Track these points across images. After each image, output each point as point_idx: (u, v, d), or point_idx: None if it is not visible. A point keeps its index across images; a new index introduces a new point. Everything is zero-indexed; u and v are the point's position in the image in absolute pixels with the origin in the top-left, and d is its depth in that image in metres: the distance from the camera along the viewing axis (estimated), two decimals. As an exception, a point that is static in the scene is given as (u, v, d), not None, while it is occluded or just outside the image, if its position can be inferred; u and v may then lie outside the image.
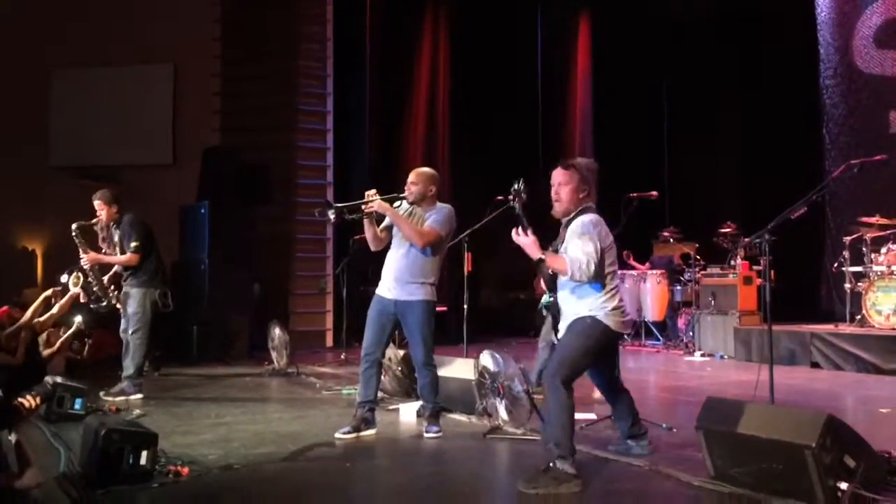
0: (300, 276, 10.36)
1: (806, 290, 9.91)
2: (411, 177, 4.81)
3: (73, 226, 6.23)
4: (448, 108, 11.59)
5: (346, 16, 10.73)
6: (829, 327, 8.15)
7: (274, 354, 7.66)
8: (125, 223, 6.26)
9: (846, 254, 8.31)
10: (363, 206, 4.66)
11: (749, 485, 3.42)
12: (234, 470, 3.97)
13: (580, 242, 3.71)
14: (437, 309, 9.74)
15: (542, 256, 3.70)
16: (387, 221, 4.79)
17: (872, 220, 8.00)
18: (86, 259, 6.21)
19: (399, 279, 4.71)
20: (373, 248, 4.87)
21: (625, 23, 11.82)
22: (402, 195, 4.80)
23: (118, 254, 6.25)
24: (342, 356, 8.46)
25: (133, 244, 6.18)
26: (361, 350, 4.82)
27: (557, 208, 3.90)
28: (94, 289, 6.31)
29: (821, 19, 10.22)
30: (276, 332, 7.65)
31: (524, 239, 3.68)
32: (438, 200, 4.86)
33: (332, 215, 4.73)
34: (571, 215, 3.87)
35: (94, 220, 6.29)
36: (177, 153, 10.38)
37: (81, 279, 6.24)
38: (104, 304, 6.35)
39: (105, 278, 6.38)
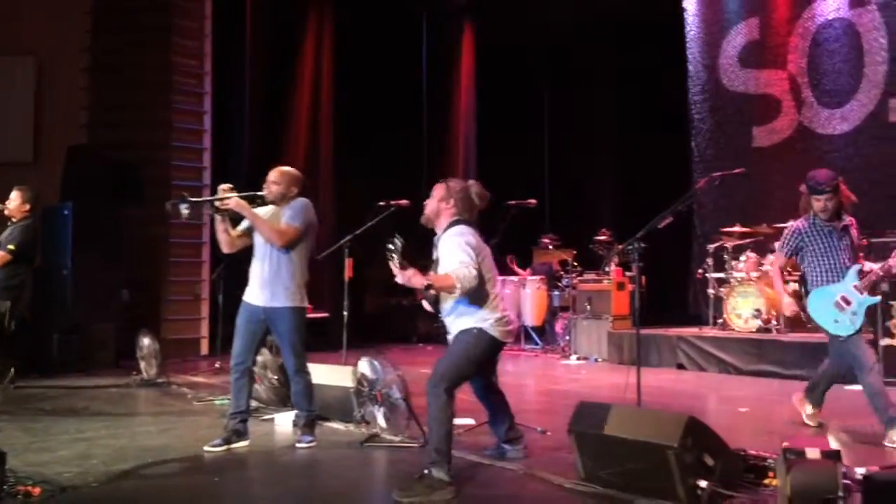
0: (174, 282, 9.93)
1: (675, 295, 10.39)
2: (272, 175, 4.64)
3: None
4: (332, 110, 11.43)
5: (226, 13, 10.40)
6: (694, 330, 8.56)
7: (143, 364, 7.29)
8: (19, 224, 5.90)
9: (710, 261, 8.78)
10: (218, 203, 4.48)
11: (617, 485, 3.53)
12: (90, 488, 3.72)
13: (454, 254, 3.77)
14: (318, 315, 9.61)
15: (429, 282, 3.69)
16: (244, 224, 4.62)
17: (734, 228, 8.48)
18: None
19: (266, 285, 4.56)
20: (224, 251, 4.66)
21: (507, 31, 12.05)
22: (261, 194, 4.63)
23: None
24: (216, 364, 8.16)
25: (10, 246, 5.81)
26: (231, 359, 4.65)
27: (423, 215, 4.03)
28: None
29: (689, 37, 10.75)
30: (146, 340, 7.29)
31: (403, 275, 3.65)
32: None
33: (184, 210, 4.49)
34: (442, 231, 3.93)
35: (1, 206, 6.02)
36: (38, 151, 9.74)
37: None
38: None
39: None
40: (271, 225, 4.54)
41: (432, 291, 3.78)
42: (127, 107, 9.62)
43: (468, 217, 3.99)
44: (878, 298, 4.73)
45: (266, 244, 4.56)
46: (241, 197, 4.52)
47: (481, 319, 3.83)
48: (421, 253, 4.09)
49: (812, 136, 9.37)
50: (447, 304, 3.91)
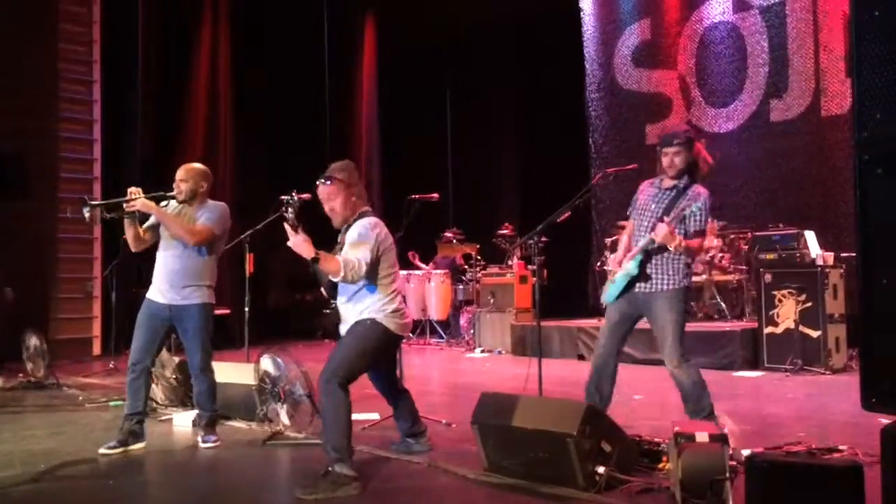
0: (63, 279, 9.47)
1: (576, 288, 10.69)
2: (180, 173, 4.55)
3: None
4: (231, 101, 11.12)
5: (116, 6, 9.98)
6: (594, 322, 8.82)
7: (29, 365, 6.94)
8: None
9: (608, 253, 9.04)
10: (124, 205, 4.36)
11: (519, 474, 3.61)
12: (-28, 498, 3.53)
13: (356, 246, 3.75)
14: (219, 312, 9.38)
15: (315, 256, 3.63)
16: (152, 220, 4.51)
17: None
18: None
19: (173, 282, 4.45)
20: (134, 249, 4.57)
21: (408, 25, 12.06)
22: (170, 194, 4.55)
23: None
24: (111, 365, 7.85)
25: None
26: (129, 358, 4.49)
27: (335, 221, 3.91)
28: None
29: (586, 36, 11.06)
30: (32, 340, 6.95)
31: (294, 238, 3.60)
32: (213, 199, 4.64)
33: (86, 213, 4.38)
34: (350, 221, 3.89)
35: None
36: None
37: None
38: None
39: None
40: (182, 223, 4.44)
41: (318, 266, 3.68)
42: (11, 95, 9.08)
43: (364, 197, 3.95)
44: (629, 269, 4.08)
45: (173, 243, 4.46)
46: (149, 197, 4.41)
47: (377, 310, 3.79)
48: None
49: (700, 134, 9.80)
50: (344, 291, 3.86)
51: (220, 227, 4.55)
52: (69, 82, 9.59)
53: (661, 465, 3.63)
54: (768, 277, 7.15)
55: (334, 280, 3.77)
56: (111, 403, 5.88)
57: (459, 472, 3.79)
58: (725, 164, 9.29)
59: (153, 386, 5.66)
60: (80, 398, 6.28)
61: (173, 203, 4.56)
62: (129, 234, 4.47)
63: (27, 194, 8.80)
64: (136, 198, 4.37)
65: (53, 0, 9.42)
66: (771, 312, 7.07)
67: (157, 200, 4.50)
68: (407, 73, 12.20)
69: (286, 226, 3.59)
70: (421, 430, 4.26)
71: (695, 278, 8.28)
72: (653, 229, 4.08)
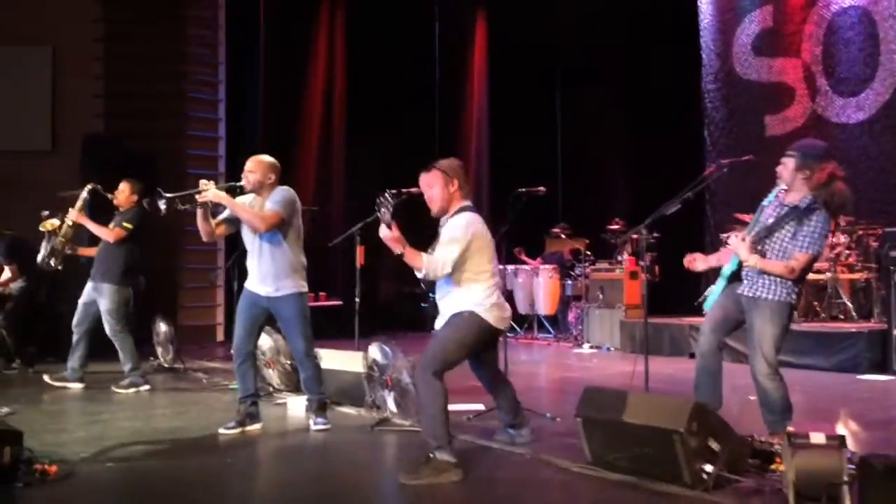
0: (189, 270, 10.03)
1: (689, 284, 10.35)
2: (249, 164, 4.68)
3: (91, 185, 6.40)
4: (345, 98, 11.44)
5: (240, 1, 10.46)
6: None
7: (159, 350, 7.40)
8: (130, 210, 6.27)
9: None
10: (196, 196, 4.52)
11: (624, 469, 3.56)
12: (106, 467, 3.81)
13: (447, 244, 3.79)
14: (331, 303, 9.67)
15: (402, 251, 3.70)
16: (227, 213, 4.65)
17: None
18: (74, 214, 6.26)
19: (265, 275, 4.60)
20: (205, 240, 4.77)
21: (519, 18, 12.00)
22: (239, 184, 4.68)
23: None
24: (232, 350, 8.23)
25: (125, 224, 6.18)
26: (233, 345, 4.72)
27: (433, 210, 3.97)
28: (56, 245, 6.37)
29: (703, 25, 10.68)
30: (161, 326, 7.40)
31: (386, 233, 3.66)
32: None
33: (162, 205, 4.57)
34: (449, 215, 3.93)
35: (111, 195, 6.37)
36: (56, 139, 9.84)
37: (56, 227, 6.43)
38: (50, 263, 6.45)
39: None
40: (252, 211, 4.58)
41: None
42: (141, 96, 9.70)
43: (468, 193, 3.99)
44: (724, 272, 4.19)
45: (254, 238, 4.60)
46: (220, 188, 4.58)
47: (475, 303, 3.82)
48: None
49: (826, 124, 9.29)
50: (442, 286, 3.91)
51: (287, 211, 4.59)
52: (196, 84, 10.13)
53: (773, 467, 3.49)
54: (900, 277, 6.71)
55: (419, 276, 3.83)
56: (231, 386, 6.17)
57: (562, 464, 3.78)
58: (854, 156, 8.78)
59: (269, 371, 5.94)
60: (204, 381, 6.65)
61: (248, 197, 4.69)
62: (200, 226, 4.61)
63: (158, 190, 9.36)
64: (208, 188, 4.52)
65: (181, 4, 9.96)
66: (904, 314, 6.63)
67: (228, 190, 4.64)
68: (517, 66, 12.14)
69: (381, 219, 3.67)
70: (522, 422, 4.26)
71: (818, 276, 7.89)
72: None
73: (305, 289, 4.71)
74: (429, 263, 3.75)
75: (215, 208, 4.63)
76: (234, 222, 4.70)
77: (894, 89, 8.77)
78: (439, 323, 3.93)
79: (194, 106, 10.16)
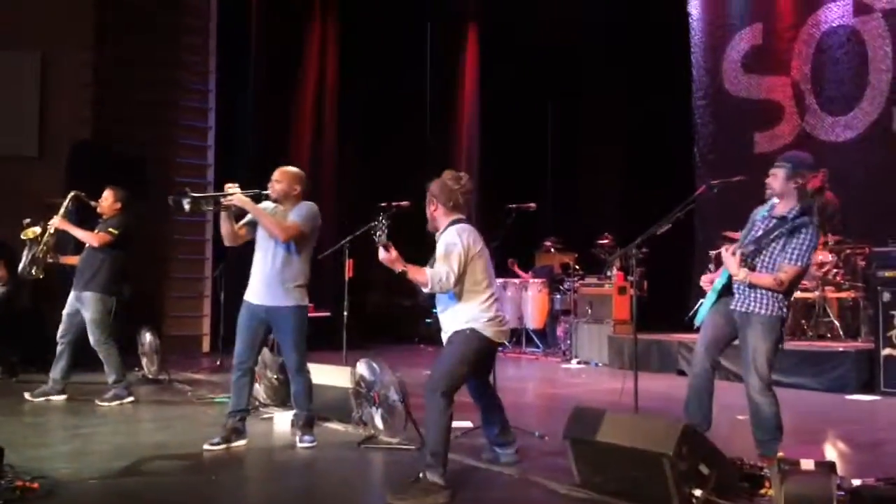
0: (176, 279, 9.96)
1: (677, 301, 10.37)
2: (275, 175, 4.69)
3: (74, 193, 6.31)
4: (335, 110, 11.43)
5: (231, 11, 10.43)
6: (694, 336, 8.49)
7: (144, 360, 7.32)
8: (115, 217, 6.19)
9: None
10: (222, 199, 4.52)
11: (612, 492, 3.54)
12: (88, 484, 3.75)
13: (444, 258, 3.83)
14: (320, 314, 9.60)
15: (403, 269, 3.74)
16: (249, 217, 4.65)
17: (735, 234, 8.44)
18: (57, 221, 6.18)
19: (268, 284, 4.59)
20: (227, 244, 4.72)
21: (510, 34, 12.05)
22: (265, 192, 4.68)
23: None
24: (218, 362, 8.19)
25: (112, 229, 6.08)
26: (234, 358, 4.67)
27: (429, 227, 4.06)
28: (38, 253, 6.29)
29: (693, 42, 10.73)
30: (147, 337, 7.32)
31: (384, 255, 3.71)
32: (315, 202, 4.77)
33: (186, 204, 4.53)
34: (439, 232, 3.97)
35: (94, 203, 6.27)
36: (43, 146, 9.75)
37: (38, 234, 6.33)
38: (31, 272, 6.35)
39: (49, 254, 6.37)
40: (275, 220, 4.57)
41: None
42: (131, 103, 9.64)
43: (460, 207, 4.01)
44: (715, 285, 4.21)
45: (269, 241, 4.59)
46: (245, 195, 4.56)
47: (474, 319, 3.84)
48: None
49: (815, 142, 9.34)
50: (442, 301, 3.95)
51: (308, 225, 4.62)
52: (186, 91, 10.11)
53: (763, 491, 3.47)
54: (887, 296, 6.72)
55: (424, 291, 3.86)
56: (216, 400, 6.13)
57: (550, 485, 3.75)
58: (843, 175, 8.81)
59: (256, 385, 5.88)
60: (189, 393, 6.57)
61: (270, 204, 4.70)
62: (224, 229, 4.61)
63: (146, 197, 9.30)
64: (233, 193, 4.51)
65: (174, 13, 9.94)
66: (889, 333, 6.64)
67: (254, 198, 4.63)
68: (508, 81, 12.18)
69: (378, 243, 3.68)
70: (509, 439, 4.23)
71: (806, 294, 7.91)
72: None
73: (306, 303, 4.69)
74: (432, 277, 3.79)
75: (239, 212, 4.62)
76: (255, 226, 4.68)
77: (882, 109, 8.84)
78: (443, 337, 3.97)
79: (184, 114, 10.12)
